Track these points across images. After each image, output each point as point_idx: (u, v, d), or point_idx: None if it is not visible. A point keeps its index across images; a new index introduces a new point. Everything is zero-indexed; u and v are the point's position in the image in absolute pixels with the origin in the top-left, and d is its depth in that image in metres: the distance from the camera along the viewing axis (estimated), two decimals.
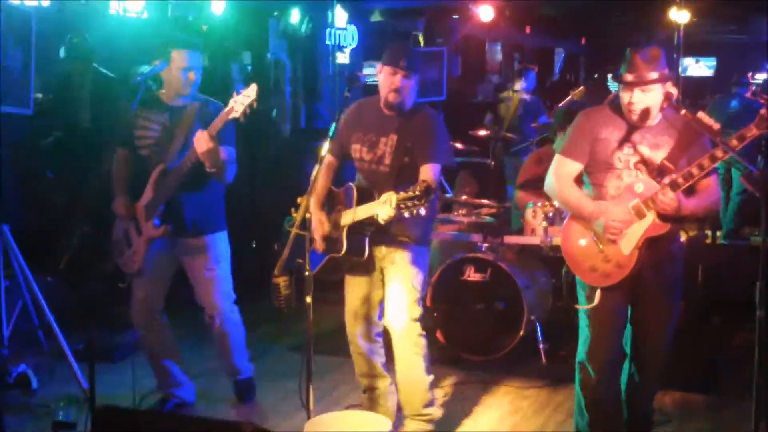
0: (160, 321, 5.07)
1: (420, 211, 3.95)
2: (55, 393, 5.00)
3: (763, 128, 3.73)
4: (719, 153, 3.82)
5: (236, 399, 5.30)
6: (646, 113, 3.96)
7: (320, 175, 4.46)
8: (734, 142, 3.76)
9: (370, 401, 4.85)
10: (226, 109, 4.49)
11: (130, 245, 4.90)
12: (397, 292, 4.56)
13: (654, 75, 3.90)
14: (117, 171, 4.95)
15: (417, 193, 3.93)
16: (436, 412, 4.77)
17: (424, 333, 4.65)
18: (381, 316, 4.73)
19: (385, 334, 4.78)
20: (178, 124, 4.81)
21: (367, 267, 4.62)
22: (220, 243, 5.02)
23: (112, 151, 4.94)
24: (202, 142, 4.52)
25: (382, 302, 4.69)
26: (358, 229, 4.44)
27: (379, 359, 4.84)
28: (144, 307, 5.00)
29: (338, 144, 4.67)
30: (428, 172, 4.35)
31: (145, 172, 4.85)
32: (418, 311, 4.58)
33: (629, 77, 3.93)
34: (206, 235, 4.94)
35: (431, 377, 4.74)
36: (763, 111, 3.74)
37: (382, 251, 4.59)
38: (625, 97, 3.98)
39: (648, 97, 3.93)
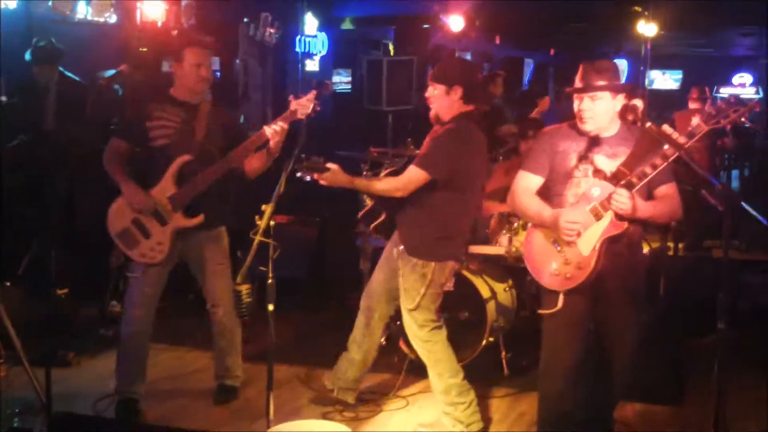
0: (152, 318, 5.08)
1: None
2: (12, 399, 4.93)
3: (711, 124, 3.80)
4: (670, 151, 3.86)
5: (213, 401, 5.29)
6: (595, 122, 4.04)
7: None
8: (683, 139, 3.80)
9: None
10: (291, 110, 4.69)
11: (148, 236, 4.89)
12: (402, 309, 4.93)
13: (601, 83, 4.00)
14: (119, 162, 4.93)
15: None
16: (460, 414, 4.93)
17: (435, 338, 4.91)
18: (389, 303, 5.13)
19: None
20: (195, 120, 4.97)
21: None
22: (226, 236, 5.17)
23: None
24: (280, 135, 4.75)
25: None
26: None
27: None
28: (150, 302, 5.01)
29: None
30: (405, 171, 4.65)
31: (151, 163, 4.91)
32: (419, 321, 4.88)
33: (578, 84, 4.06)
34: (219, 227, 5.10)
35: (452, 382, 4.93)
36: (706, 106, 3.80)
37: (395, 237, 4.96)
38: (575, 105, 4.09)
39: (596, 105, 4.02)
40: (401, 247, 4.84)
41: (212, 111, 5.05)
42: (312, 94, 4.66)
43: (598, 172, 4.06)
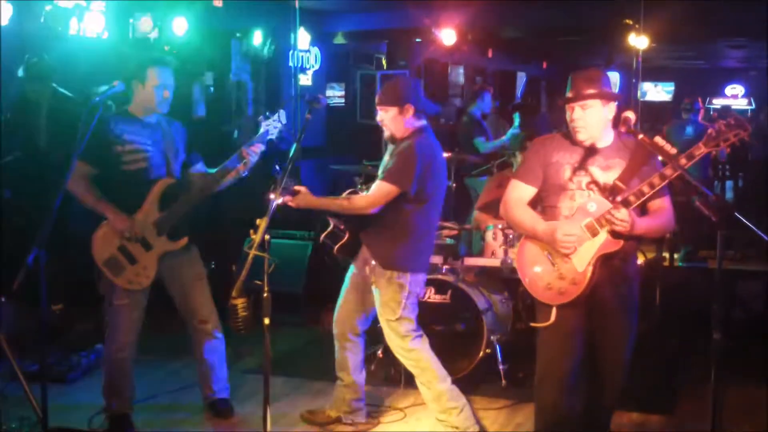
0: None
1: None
2: (8, 414, 4.91)
3: (711, 146, 3.79)
4: (669, 171, 3.88)
5: (213, 415, 5.28)
6: (588, 131, 4.04)
7: None
8: (683, 161, 3.81)
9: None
10: (262, 132, 4.87)
11: (134, 262, 4.88)
12: (381, 322, 4.96)
13: (591, 91, 4.01)
14: (92, 188, 4.87)
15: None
16: (454, 419, 4.98)
17: (418, 346, 4.96)
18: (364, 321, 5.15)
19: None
20: (163, 140, 4.96)
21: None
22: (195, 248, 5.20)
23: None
24: (254, 156, 4.86)
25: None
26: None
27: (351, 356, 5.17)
28: (137, 326, 5.02)
29: None
30: (372, 189, 4.75)
31: (127, 187, 4.87)
32: (400, 332, 4.93)
33: (569, 94, 4.07)
34: (191, 243, 5.09)
35: (441, 388, 4.97)
36: (710, 130, 3.81)
37: (365, 253, 4.99)
38: (568, 115, 4.10)
39: (587, 114, 4.02)
40: (373, 263, 4.88)
41: (170, 127, 5.05)
42: (281, 115, 4.90)
43: (592, 186, 4.07)
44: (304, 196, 4.69)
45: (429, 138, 4.85)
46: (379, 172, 4.90)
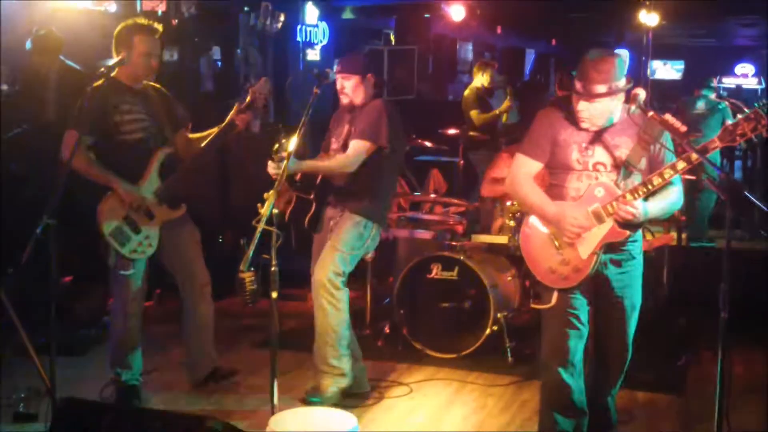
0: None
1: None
2: (17, 386, 4.94)
3: (726, 141, 3.71)
4: (680, 164, 3.81)
5: (215, 384, 5.31)
6: (592, 122, 4.01)
7: None
8: (695, 156, 3.71)
9: None
10: (249, 100, 4.98)
11: (138, 232, 4.89)
12: (326, 249, 5.00)
13: (602, 89, 3.91)
14: (91, 161, 4.83)
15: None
16: (345, 366, 5.05)
17: (344, 288, 5.01)
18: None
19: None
20: (156, 109, 4.97)
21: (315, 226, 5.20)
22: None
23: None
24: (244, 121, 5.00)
25: None
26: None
27: None
28: (142, 294, 5.06)
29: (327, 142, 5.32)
30: (349, 148, 4.94)
31: (126, 157, 4.86)
32: (339, 267, 4.95)
33: (578, 86, 3.97)
34: (184, 208, 5.12)
35: (345, 333, 5.03)
36: (727, 123, 3.75)
37: (330, 213, 5.14)
38: (574, 102, 4.03)
39: (592, 107, 3.96)
40: (342, 214, 5.04)
41: (159, 94, 5.07)
42: (262, 80, 5.05)
43: (600, 165, 4.03)
44: (295, 162, 4.73)
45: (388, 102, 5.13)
46: (338, 138, 5.13)
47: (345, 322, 5.03)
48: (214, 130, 5.06)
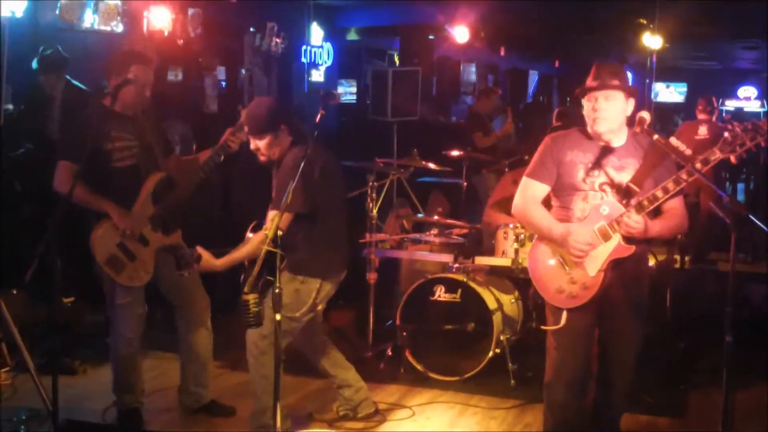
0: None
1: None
2: (19, 407, 4.92)
3: (727, 152, 3.76)
4: (684, 176, 3.86)
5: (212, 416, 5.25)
6: (608, 123, 4.01)
7: None
8: (698, 166, 3.79)
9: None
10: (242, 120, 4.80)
11: (133, 259, 4.85)
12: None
13: (617, 82, 4.00)
14: (85, 187, 4.70)
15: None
16: None
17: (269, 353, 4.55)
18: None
19: None
20: (145, 134, 4.92)
21: None
22: None
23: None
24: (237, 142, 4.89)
25: None
26: None
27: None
28: (141, 321, 5.02)
29: None
30: (267, 221, 4.53)
31: (117, 184, 4.82)
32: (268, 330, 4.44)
33: (593, 83, 4.03)
34: (179, 232, 5.07)
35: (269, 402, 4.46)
36: (727, 135, 3.78)
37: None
38: (588, 106, 4.06)
39: (611, 105, 4.00)
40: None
41: (148, 118, 5.02)
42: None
43: (606, 186, 4.05)
44: (207, 262, 4.60)
45: (300, 150, 4.56)
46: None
47: (270, 391, 4.32)
48: (206, 152, 5.02)
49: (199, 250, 4.60)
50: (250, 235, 4.58)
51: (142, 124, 4.95)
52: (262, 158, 4.70)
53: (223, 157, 4.99)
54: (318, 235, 4.71)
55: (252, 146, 4.70)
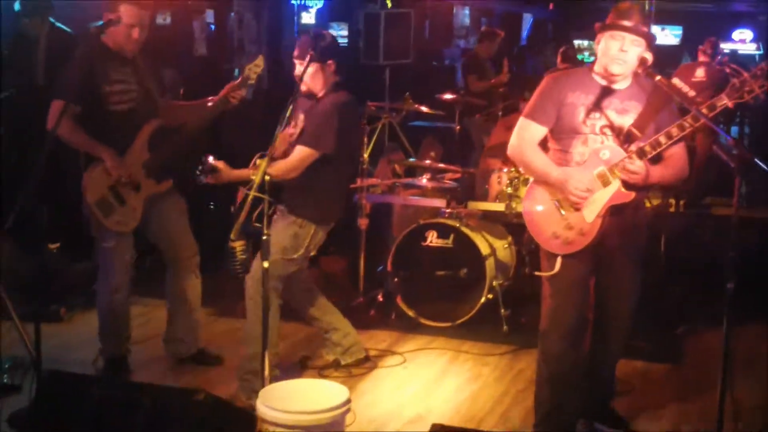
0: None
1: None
2: (1, 355, 4.86)
3: (734, 98, 3.67)
4: (688, 122, 3.77)
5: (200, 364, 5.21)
6: (626, 67, 3.89)
7: None
8: (704, 111, 3.70)
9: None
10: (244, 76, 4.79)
11: (123, 203, 4.79)
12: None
13: (647, 29, 3.87)
14: (78, 130, 4.68)
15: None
16: None
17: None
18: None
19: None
20: (145, 79, 4.84)
21: None
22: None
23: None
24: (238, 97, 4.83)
25: None
26: None
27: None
28: (128, 268, 4.97)
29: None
30: (293, 154, 4.57)
31: (113, 128, 4.74)
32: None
33: (628, 23, 3.85)
34: (170, 180, 5.00)
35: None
36: (734, 80, 3.68)
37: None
38: (613, 46, 3.88)
39: (634, 50, 3.86)
40: (281, 207, 4.69)
41: (147, 63, 4.92)
42: (259, 58, 4.80)
43: (606, 129, 3.94)
44: (223, 172, 4.54)
45: (344, 95, 4.72)
46: (296, 125, 4.74)
47: (272, 336, 4.52)
48: (204, 100, 4.93)
49: (214, 161, 4.54)
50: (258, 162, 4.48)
51: (141, 67, 4.86)
52: (303, 88, 4.64)
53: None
54: (326, 181, 4.69)
55: (296, 71, 4.67)
